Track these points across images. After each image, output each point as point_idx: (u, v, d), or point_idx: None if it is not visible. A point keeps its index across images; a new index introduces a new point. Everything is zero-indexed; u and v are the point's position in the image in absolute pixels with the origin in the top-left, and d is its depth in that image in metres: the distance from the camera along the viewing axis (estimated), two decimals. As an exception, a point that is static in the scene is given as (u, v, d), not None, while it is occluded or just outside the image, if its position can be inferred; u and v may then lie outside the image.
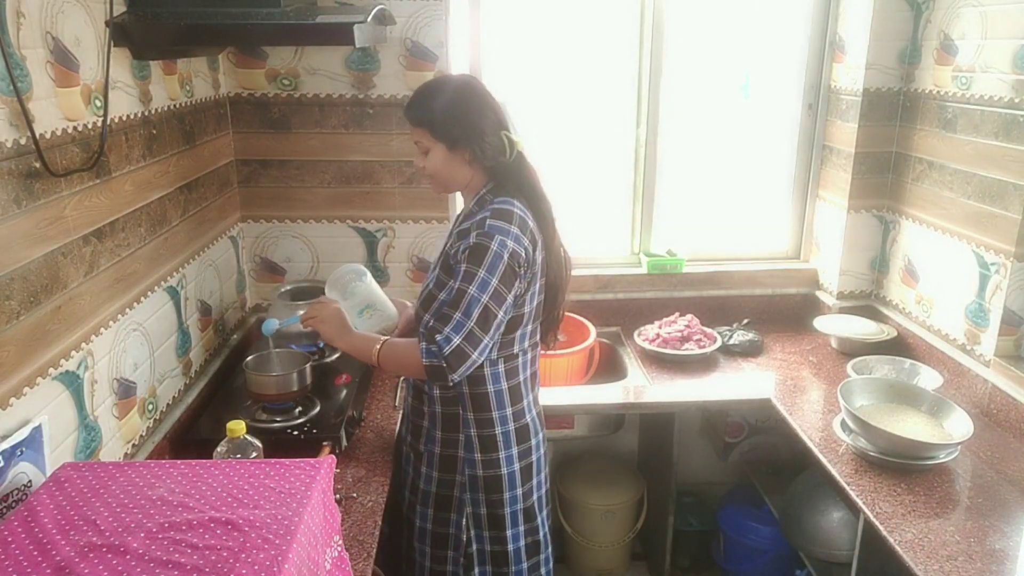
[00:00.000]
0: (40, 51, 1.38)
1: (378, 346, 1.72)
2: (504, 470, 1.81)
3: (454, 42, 2.48)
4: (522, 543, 1.89)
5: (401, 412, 2.02)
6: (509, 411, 1.80)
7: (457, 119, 1.66)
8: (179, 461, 1.31)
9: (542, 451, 1.89)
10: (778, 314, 2.90)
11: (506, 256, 1.62)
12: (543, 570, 1.95)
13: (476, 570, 1.87)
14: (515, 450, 1.82)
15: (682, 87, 2.76)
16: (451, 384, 1.66)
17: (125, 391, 1.71)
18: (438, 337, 1.60)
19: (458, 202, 2.67)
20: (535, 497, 1.88)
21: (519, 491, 1.85)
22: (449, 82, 1.75)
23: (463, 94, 1.69)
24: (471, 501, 1.83)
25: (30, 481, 1.31)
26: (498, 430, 1.79)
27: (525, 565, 1.91)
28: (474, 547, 1.86)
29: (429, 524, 1.87)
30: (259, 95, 2.43)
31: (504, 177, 1.73)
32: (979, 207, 2.22)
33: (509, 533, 1.86)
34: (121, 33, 1.66)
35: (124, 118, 1.71)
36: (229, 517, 1.13)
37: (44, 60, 1.39)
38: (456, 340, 1.59)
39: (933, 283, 2.46)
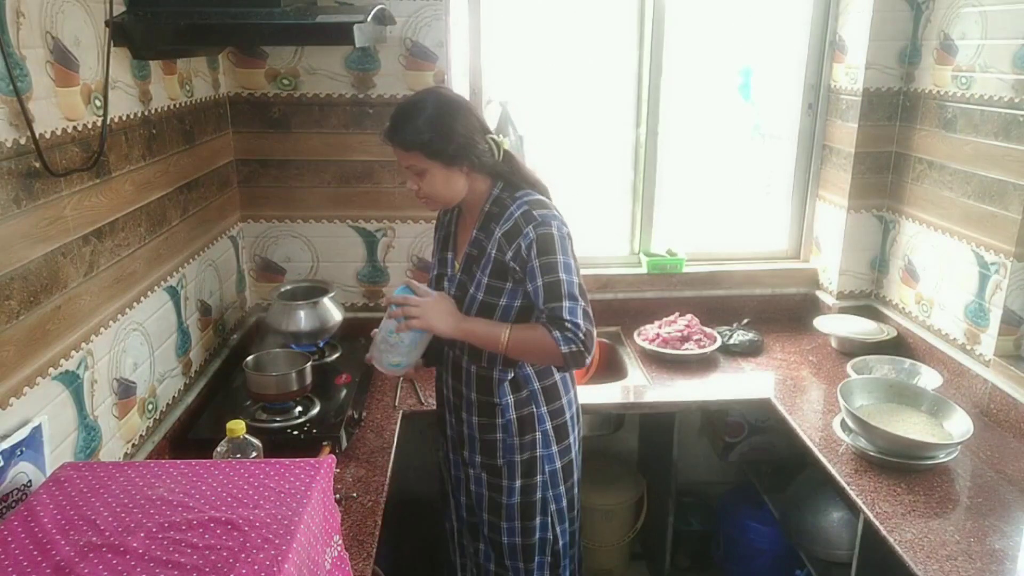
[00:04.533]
0: (40, 51, 1.38)
1: (507, 331, 1.69)
2: (573, 453, 1.88)
3: (454, 42, 2.48)
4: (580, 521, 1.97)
5: (453, 437, 1.92)
6: (573, 394, 1.87)
7: (448, 134, 1.63)
8: (179, 461, 1.31)
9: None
10: (778, 314, 2.90)
11: (566, 234, 1.69)
12: None
13: (563, 563, 1.90)
14: (577, 431, 1.90)
15: (682, 87, 2.76)
16: (585, 365, 1.70)
17: (125, 391, 1.71)
18: (568, 324, 1.63)
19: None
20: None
21: (580, 472, 1.93)
22: (426, 99, 1.69)
23: (444, 107, 1.66)
24: (553, 498, 1.86)
25: (30, 481, 1.31)
26: (567, 415, 1.84)
27: (579, 547, 2.00)
28: (560, 543, 1.88)
29: (518, 538, 1.87)
30: (259, 95, 2.43)
31: (509, 174, 1.74)
32: (979, 207, 2.22)
33: (577, 512, 1.93)
34: (121, 33, 1.66)
35: (124, 118, 1.71)
36: (229, 517, 1.13)
37: (44, 60, 1.39)
38: (583, 323, 1.64)
39: (933, 283, 2.46)
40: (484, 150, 1.68)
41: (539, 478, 1.82)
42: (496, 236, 1.70)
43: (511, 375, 1.79)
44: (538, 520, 1.85)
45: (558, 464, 1.84)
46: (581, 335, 1.63)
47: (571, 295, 1.65)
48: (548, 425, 1.81)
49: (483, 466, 1.85)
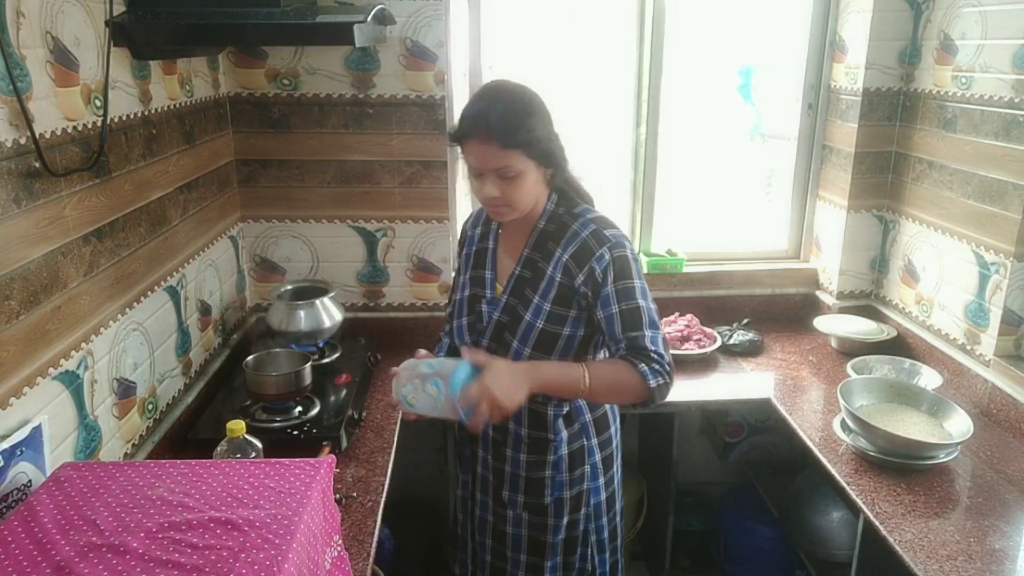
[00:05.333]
0: (40, 51, 1.38)
1: (586, 374, 1.50)
2: (616, 482, 1.77)
3: (454, 42, 2.48)
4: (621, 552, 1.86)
5: (486, 476, 1.75)
6: (618, 422, 1.77)
7: (546, 132, 1.47)
8: (179, 461, 1.31)
9: None
10: (778, 314, 2.90)
11: (637, 256, 1.57)
12: None
13: None
14: (619, 460, 1.78)
15: (682, 87, 2.77)
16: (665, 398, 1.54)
17: (125, 391, 1.71)
18: (654, 355, 1.49)
19: (460, 202, 2.67)
20: None
21: (621, 502, 1.82)
22: (514, 92, 1.48)
23: (537, 102, 1.48)
24: (595, 529, 1.74)
25: (30, 481, 1.31)
26: (613, 444, 1.74)
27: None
28: (598, 573, 1.77)
29: (560, 573, 1.75)
30: (259, 95, 2.43)
31: (563, 186, 1.60)
32: (979, 207, 2.22)
33: (619, 543, 1.82)
34: (121, 33, 1.66)
35: (124, 118, 1.71)
36: (229, 517, 1.13)
37: (44, 60, 1.39)
38: (666, 355, 1.51)
39: (933, 283, 2.46)
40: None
41: (583, 511, 1.70)
42: (560, 259, 1.55)
43: (566, 409, 1.65)
44: (579, 552, 1.73)
45: (603, 496, 1.72)
46: (667, 366, 1.49)
47: (652, 323, 1.51)
48: (597, 457, 1.69)
49: (525, 506, 1.70)
